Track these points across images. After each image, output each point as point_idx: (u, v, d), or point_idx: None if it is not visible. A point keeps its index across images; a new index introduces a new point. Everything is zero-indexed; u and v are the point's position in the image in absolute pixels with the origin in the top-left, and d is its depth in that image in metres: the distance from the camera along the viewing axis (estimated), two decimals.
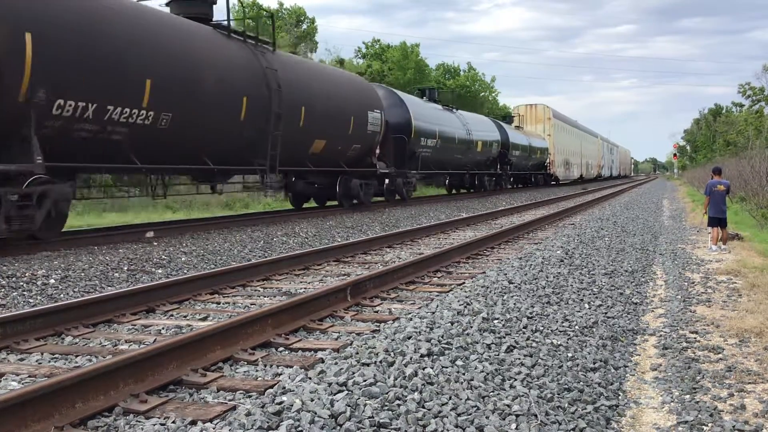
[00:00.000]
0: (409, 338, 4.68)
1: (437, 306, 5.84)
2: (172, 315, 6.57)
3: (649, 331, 6.32)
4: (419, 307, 6.41)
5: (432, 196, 32.98)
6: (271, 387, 4.02)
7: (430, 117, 27.40)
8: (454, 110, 32.01)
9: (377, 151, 21.80)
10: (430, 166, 27.50)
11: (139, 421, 3.70)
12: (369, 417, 3.38)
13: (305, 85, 17.56)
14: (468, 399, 3.79)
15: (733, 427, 3.93)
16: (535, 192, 39.08)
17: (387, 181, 23.45)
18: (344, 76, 21.92)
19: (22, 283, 7.95)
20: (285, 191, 21.64)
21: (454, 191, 36.91)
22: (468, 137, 31.41)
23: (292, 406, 3.42)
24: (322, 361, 4.64)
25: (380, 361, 4.13)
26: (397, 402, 3.60)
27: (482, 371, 4.26)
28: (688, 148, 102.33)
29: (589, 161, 71.84)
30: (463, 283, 7.73)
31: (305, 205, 22.33)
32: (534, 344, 5.07)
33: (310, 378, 3.89)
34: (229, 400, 4.04)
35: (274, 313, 5.60)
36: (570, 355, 5.04)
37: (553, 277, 7.81)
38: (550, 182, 54.10)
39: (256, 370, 4.66)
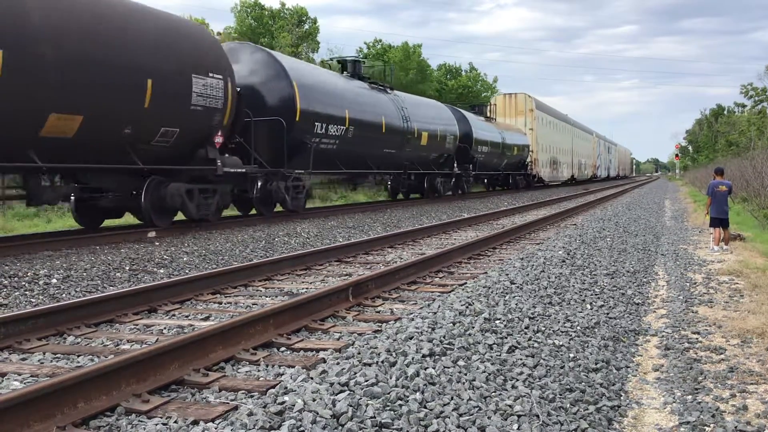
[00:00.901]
0: (411, 338, 4.68)
1: (439, 306, 5.84)
2: (173, 315, 6.57)
3: (651, 332, 6.32)
4: (421, 308, 6.41)
5: (343, 205, 24.95)
6: (273, 387, 4.02)
7: (334, 94, 19.80)
8: (390, 90, 25.07)
9: (218, 139, 14.35)
10: (335, 162, 20.16)
11: (141, 421, 3.70)
12: (371, 417, 3.38)
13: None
14: (470, 399, 3.79)
15: (735, 427, 3.92)
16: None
17: (258, 184, 16.86)
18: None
19: (24, 283, 7.95)
20: None
21: (400, 196, 29.51)
22: (405, 126, 24.19)
23: (293, 406, 3.42)
24: (324, 361, 4.64)
25: (382, 362, 4.13)
26: (399, 402, 3.60)
27: (484, 371, 4.26)
28: (690, 148, 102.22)
29: (582, 161, 65.62)
30: (465, 283, 7.72)
31: (307, 205, 22.03)
32: (536, 345, 5.07)
33: (311, 378, 3.89)
34: (231, 400, 4.04)
35: (275, 313, 5.60)
36: (572, 355, 5.03)
37: (555, 277, 7.81)
38: (533, 184, 45.75)
39: (258, 370, 4.67)
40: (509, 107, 46.82)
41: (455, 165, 29.88)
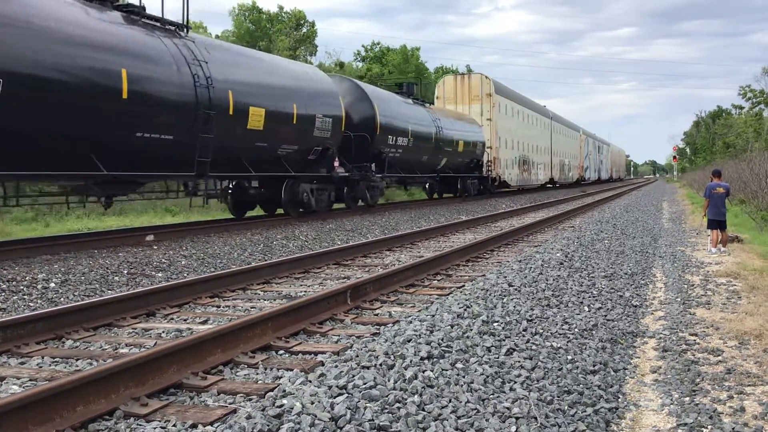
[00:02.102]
0: (409, 341, 4.69)
1: (437, 309, 5.84)
2: (172, 318, 6.58)
3: (649, 334, 6.33)
4: (419, 310, 6.42)
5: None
6: (272, 390, 4.03)
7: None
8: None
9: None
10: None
11: (140, 425, 3.71)
12: (369, 420, 3.39)
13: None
14: (468, 402, 3.80)
15: (733, 429, 3.93)
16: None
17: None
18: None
19: (22, 287, 7.95)
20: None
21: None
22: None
23: (292, 409, 3.43)
24: (323, 364, 4.65)
25: (380, 364, 4.13)
26: (397, 405, 3.60)
27: (482, 374, 4.27)
28: (687, 150, 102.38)
29: (565, 161, 57.61)
30: (463, 285, 7.73)
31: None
32: (534, 347, 5.08)
33: (310, 381, 3.90)
34: (230, 404, 4.05)
35: (274, 316, 5.61)
36: (570, 357, 5.04)
37: (553, 279, 7.82)
38: (493, 190, 35.45)
39: (257, 374, 4.67)
40: (461, 91, 36.57)
41: (325, 166, 19.31)
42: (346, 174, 20.19)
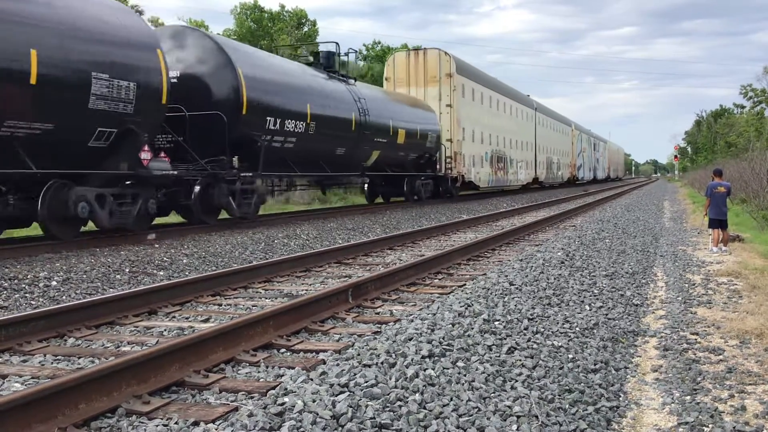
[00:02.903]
0: (411, 339, 4.69)
1: (438, 307, 5.85)
2: (174, 317, 6.59)
3: (650, 333, 6.34)
4: (420, 309, 6.43)
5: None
6: (273, 388, 4.03)
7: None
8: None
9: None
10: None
11: (142, 422, 3.72)
12: (370, 418, 3.40)
13: None
14: (469, 400, 3.81)
15: (734, 428, 3.94)
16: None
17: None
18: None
19: (24, 285, 7.97)
20: None
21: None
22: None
23: (294, 407, 3.44)
24: (324, 362, 4.66)
25: (381, 363, 4.14)
26: (399, 403, 3.61)
27: (483, 372, 4.27)
28: (689, 149, 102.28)
29: (553, 158, 51.03)
30: (464, 284, 7.74)
31: (305, 208, 22.29)
32: (535, 346, 5.09)
33: (311, 379, 3.91)
34: (232, 401, 4.05)
35: (275, 314, 5.62)
36: (571, 356, 5.05)
37: (554, 278, 7.83)
38: (454, 193, 29.25)
39: (258, 372, 4.68)
40: (415, 71, 29.34)
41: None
42: (171, 171, 13.45)
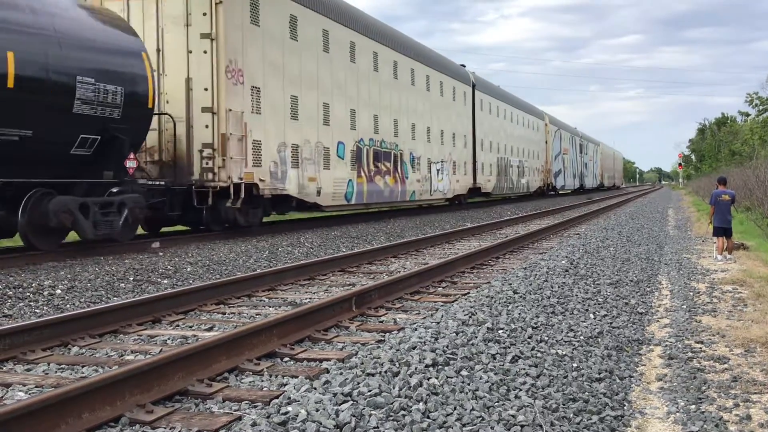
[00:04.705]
0: (414, 348, 4.69)
1: (442, 316, 5.84)
2: (177, 325, 6.59)
3: (655, 341, 6.32)
4: (424, 318, 6.42)
5: None
6: (277, 397, 4.03)
7: None
8: None
9: None
10: None
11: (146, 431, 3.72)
12: (374, 427, 3.39)
13: None
14: (473, 409, 3.80)
15: None
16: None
17: None
18: None
19: (28, 294, 7.98)
20: None
21: None
22: None
23: (297, 416, 3.43)
24: (327, 371, 4.65)
25: (385, 372, 4.13)
26: (402, 412, 3.60)
27: (487, 381, 4.26)
28: (693, 157, 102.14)
29: (512, 161, 39.03)
30: (468, 293, 7.73)
31: (309, 216, 21.84)
32: (539, 354, 5.07)
33: (315, 388, 3.90)
34: (235, 411, 4.05)
35: (279, 323, 5.62)
36: (575, 365, 5.03)
37: (558, 287, 7.81)
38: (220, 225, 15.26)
39: (262, 381, 4.68)
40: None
41: None
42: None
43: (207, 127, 14.24)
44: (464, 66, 33.58)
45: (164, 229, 15.61)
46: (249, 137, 14.99)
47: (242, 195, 14.42)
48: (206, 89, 14.28)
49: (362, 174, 20.90)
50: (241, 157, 14.58)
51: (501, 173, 37.15)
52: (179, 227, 16.29)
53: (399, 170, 23.73)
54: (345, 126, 19.93)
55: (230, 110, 14.38)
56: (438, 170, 27.63)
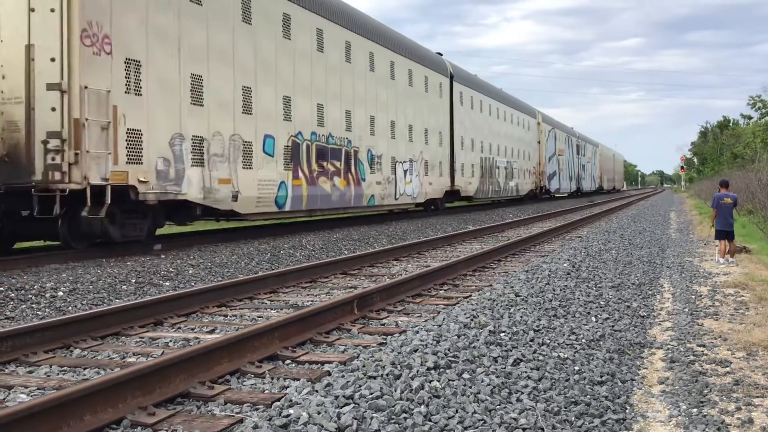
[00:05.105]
0: (416, 351, 4.69)
1: (444, 319, 5.84)
2: (179, 328, 6.59)
3: (657, 345, 6.31)
4: (426, 320, 6.42)
5: None
6: (278, 400, 4.03)
7: None
8: None
9: None
10: None
11: None
12: (375, 430, 3.39)
13: None
14: (475, 412, 3.80)
15: None
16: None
17: None
18: None
19: (30, 296, 7.99)
20: None
21: None
22: None
23: (299, 418, 3.43)
24: (329, 373, 4.65)
25: (387, 374, 4.13)
26: (404, 415, 3.60)
27: (489, 384, 4.26)
28: (695, 160, 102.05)
29: (498, 161, 35.56)
30: (470, 295, 7.73)
31: (310, 219, 21.51)
32: (541, 357, 5.07)
33: (316, 391, 3.91)
34: (237, 413, 4.05)
35: (281, 325, 5.62)
36: (577, 368, 5.03)
37: (560, 290, 7.81)
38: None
39: (263, 383, 4.68)
40: None
41: None
42: None
43: (54, 110, 10.76)
44: (441, 55, 29.92)
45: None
46: (121, 125, 11.59)
47: (107, 201, 11.04)
48: (53, 59, 10.81)
49: (300, 175, 17.03)
50: (106, 152, 11.12)
51: (485, 175, 33.43)
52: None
53: (353, 170, 19.92)
54: (275, 116, 16.18)
55: (88, 88, 10.89)
56: (406, 171, 23.80)
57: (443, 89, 28.39)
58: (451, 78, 29.49)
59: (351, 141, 19.88)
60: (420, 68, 25.80)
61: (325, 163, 18.35)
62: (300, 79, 17.29)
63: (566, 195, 53.98)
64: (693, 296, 8.67)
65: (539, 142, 46.05)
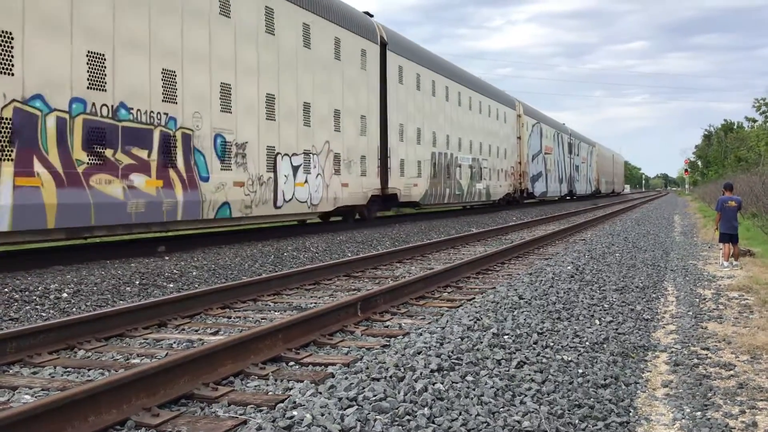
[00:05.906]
0: (419, 353, 4.69)
1: (447, 321, 5.84)
2: (183, 329, 6.60)
3: (660, 348, 6.30)
4: (429, 323, 6.42)
5: None
6: (282, 401, 4.03)
7: None
8: None
9: None
10: None
11: None
12: None
13: None
14: (478, 415, 3.80)
15: None
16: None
17: None
18: None
19: (35, 297, 8.01)
20: None
21: None
22: None
23: (302, 420, 3.44)
24: (333, 375, 4.65)
25: (390, 376, 4.14)
26: (407, 417, 3.60)
27: (492, 387, 4.26)
28: (699, 163, 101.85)
29: (461, 159, 29.17)
30: (473, 298, 7.73)
31: (311, 221, 21.41)
32: (544, 360, 5.07)
33: (320, 393, 3.91)
34: (240, 415, 4.05)
35: (284, 327, 5.62)
36: (581, 371, 5.03)
37: (564, 292, 7.80)
38: None
39: (267, 385, 4.68)
40: None
41: None
42: None
43: None
44: (371, 15, 22.24)
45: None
46: None
47: None
48: None
49: (44, 170, 10.10)
50: None
51: (439, 174, 26.50)
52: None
53: (179, 164, 12.87)
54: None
55: None
56: (297, 167, 16.97)
57: (369, 59, 21.04)
58: (384, 46, 22.13)
59: (175, 119, 12.80)
60: (326, 25, 18.43)
61: (111, 152, 11.32)
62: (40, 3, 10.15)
63: (556, 199, 48.81)
64: (697, 299, 8.66)
65: (519, 138, 39.34)
